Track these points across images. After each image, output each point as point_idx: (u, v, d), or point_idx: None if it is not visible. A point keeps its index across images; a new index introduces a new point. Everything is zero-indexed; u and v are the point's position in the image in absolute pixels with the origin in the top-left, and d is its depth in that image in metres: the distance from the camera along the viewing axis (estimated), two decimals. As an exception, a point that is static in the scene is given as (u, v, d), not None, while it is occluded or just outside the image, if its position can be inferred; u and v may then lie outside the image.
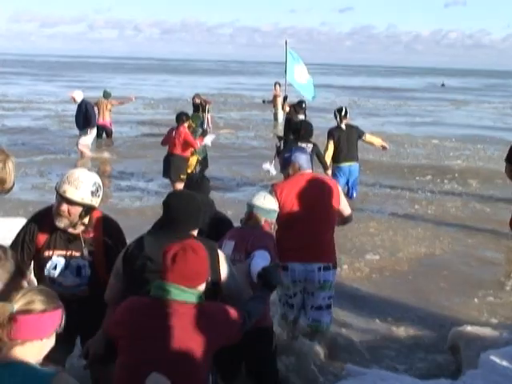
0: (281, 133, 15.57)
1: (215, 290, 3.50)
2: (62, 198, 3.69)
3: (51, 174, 12.88)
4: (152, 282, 3.20)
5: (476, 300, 6.73)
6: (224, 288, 3.58)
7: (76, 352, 4.17)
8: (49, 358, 2.50)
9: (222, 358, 3.48)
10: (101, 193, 3.84)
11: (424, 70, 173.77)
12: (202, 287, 3.14)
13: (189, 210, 3.58)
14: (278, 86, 22.36)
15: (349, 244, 8.35)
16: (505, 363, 4.45)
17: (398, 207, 10.80)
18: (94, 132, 15.34)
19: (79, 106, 15.05)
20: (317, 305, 5.15)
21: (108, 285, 3.74)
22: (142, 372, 2.96)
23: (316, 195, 5.05)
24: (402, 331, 5.85)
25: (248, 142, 18.85)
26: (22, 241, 3.85)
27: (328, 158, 10.03)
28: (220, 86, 48.36)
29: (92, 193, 3.74)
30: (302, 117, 13.96)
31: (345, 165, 10.31)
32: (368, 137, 10.74)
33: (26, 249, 3.84)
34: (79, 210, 3.72)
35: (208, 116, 18.71)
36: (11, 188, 2.98)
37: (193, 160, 11.13)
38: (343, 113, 10.45)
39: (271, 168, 10.71)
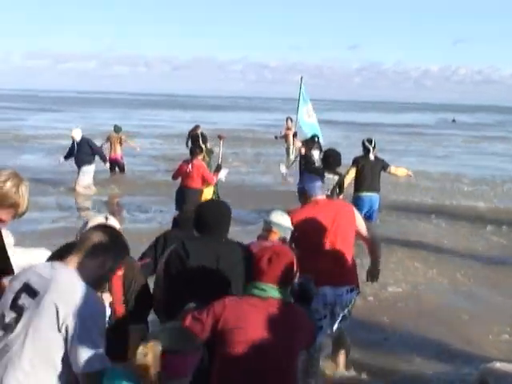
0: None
1: None
2: None
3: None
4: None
5: (507, 336, 6.57)
6: None
7: None
8: None
9: None
10: None
11: (434, 106, 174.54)
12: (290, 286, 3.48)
13: (224, 215, 3.96)
14: (289, 120, 22.42)
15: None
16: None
17: (419, 242, 10.66)
18: (93, 168, 15.25)
19: (79, 143, 15.07)
20: (339, 321, 5.32)
21: (154, 297, 3.84)
22: (247, 367, 3.15)
23: (332, 218, 5.17)
24: (427, 366, 5.72)
25: (259, 177, 18.80)
26: None
27: (345, 182, 10.02)
28: (231, 122, 48.80)
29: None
30: (316, 152, 13.87)
31: (366, 194, 10.35)
32: (393, 169, 10.81)
33: None
34: None
35: (221, 151, 18.55)
36: (24, 212, 2.95)
37: (207, 193, 10.90)
38: (373, 144, 10.55)
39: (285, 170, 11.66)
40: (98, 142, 16.53)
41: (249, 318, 3.23)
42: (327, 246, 5.11)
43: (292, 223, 5.00)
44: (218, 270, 3.76)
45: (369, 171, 10.35)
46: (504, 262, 9.57)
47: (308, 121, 13.36)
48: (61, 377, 2.66)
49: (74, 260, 2.80)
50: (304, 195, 5.37)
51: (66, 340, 2.61)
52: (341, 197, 9.75)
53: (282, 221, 4.86)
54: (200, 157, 10.99)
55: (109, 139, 17.83)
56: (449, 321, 6.96)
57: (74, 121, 40.36)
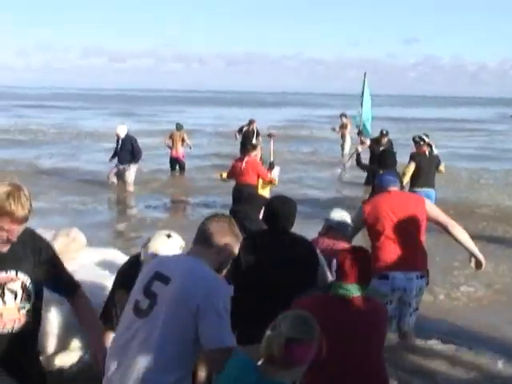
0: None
1: None
2: None
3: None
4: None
5: None
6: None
7: None
8: None
9: None
10: None
11: (492, 100, 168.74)
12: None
13: (292, 210, 4.31)
14: (343, 117, 22.47)
15: (440, 276, 8.06)
16: None
17: (486, 240, 10.04)
18: (136, 167, 14.90)
19: (123, 140, 14.68)
20: (412, 311, 5.58)
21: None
22: (339, 365, 3.30)
23: (405, 208, 5.48)
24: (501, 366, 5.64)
25: (316, 174, 18.67)
26: None
27: (405, 178, 10.00)
28: (287, 118, 48.50)
29: (181, 247, 3.95)
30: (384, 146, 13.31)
31: (421, 190, 10.19)
32: (442, 166, 10.90)
33: None
34: None
35: (273, 148, 18.18)
36: (25, 216, 2.92)
37: (263, 189, 10.83)
38: (428, 140, 10.72)
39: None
40: (158, 141, 16.04)
41: (337, 318, 3.39)
42: (398, 233, 5.40)
43: (365, 211, 5.49)
44: (286, 261, 4.06)
45: (426, 167, 10.42)
46: None
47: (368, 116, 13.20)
48: (189, 356, 2.96)
49: (194, 250, 3.13)
50: (378, 187, 5.84)
51: (196, 321, 2.87)
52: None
53: (342, 218, 5.27)
54: (253, 153, 11.07)
55: (171, 137, 17.61)
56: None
57: (146, 120, 40.72)
